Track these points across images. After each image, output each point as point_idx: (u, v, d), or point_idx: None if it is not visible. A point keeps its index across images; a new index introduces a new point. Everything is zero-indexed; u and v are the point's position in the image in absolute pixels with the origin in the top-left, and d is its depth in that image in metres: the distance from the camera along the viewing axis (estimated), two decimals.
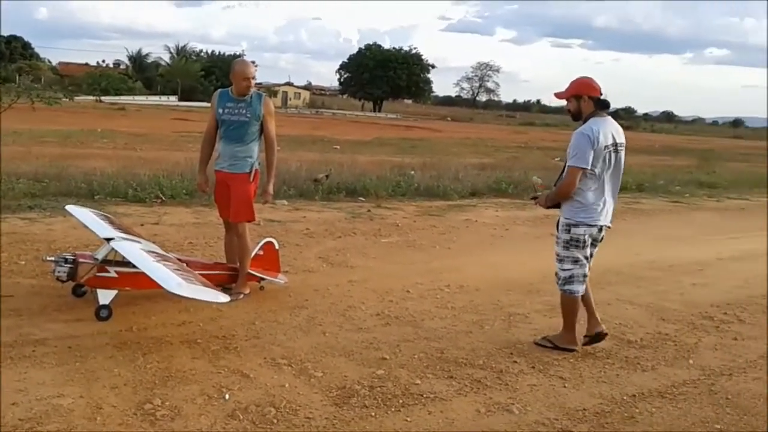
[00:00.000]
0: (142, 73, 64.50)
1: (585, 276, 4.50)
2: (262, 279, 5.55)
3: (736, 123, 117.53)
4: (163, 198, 9.49)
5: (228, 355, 4.16)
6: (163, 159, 13.81)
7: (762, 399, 4.04)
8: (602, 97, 4.42)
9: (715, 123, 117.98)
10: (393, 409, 3.59)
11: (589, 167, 4.26)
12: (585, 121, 4.38)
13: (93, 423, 3.21)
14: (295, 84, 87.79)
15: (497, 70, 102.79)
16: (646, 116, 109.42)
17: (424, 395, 3.79)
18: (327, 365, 4.11)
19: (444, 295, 5.82)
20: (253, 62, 5.47)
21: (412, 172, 13.72)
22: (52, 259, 4.75)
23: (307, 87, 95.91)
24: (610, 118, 4.44)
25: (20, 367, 3.76)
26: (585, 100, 4.39)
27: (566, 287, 4.52)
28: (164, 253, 5.10)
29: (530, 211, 11.34)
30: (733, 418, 3.78)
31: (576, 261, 4.45)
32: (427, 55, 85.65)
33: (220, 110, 5.33)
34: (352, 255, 7.12)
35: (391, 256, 7.24)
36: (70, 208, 5.67)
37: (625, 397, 3.95)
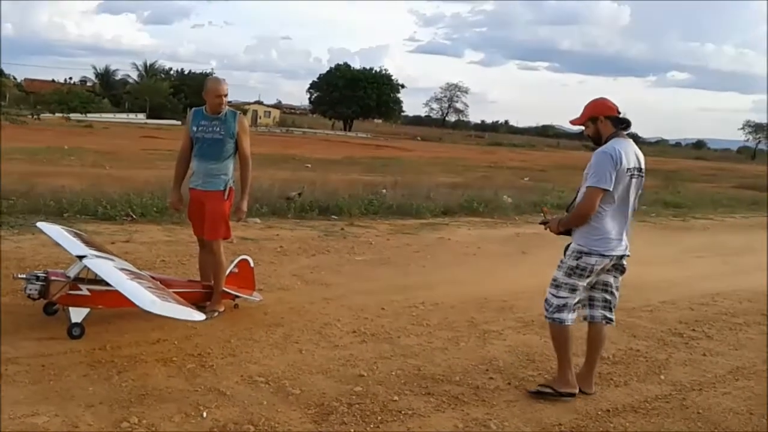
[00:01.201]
0: (109, 90, 63.79)
1: (576, 304, 4.16)
2: (237, 297, 5.52)
3: (699, 144, 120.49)
4: (134, 216, 9.39)
5: (204, 373, 4.13)
6: (133, 177, 13.70)
7: (731, 413, 4.13)
8: (621, 116, 4.15)
9: (678, 144, 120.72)
10: (372, 426, 3.60)
11: (610, 188, 3.93)
12: (606, 143, 4.06)
13: None
14: (265, 103, 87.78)
15: (466, 91, 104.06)
16: None
17: (403, 412, 3.80)
18: (304, 382, 4.10)
19: (419, 312, 5.85)
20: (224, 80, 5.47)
21: (384, 191, 13.80)
22: (24, 276, 4.68)
23: (277, 106, 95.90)
24: (631, 141, 4.14)
25: None
26: (602, 120, 4.11)
27: (556, 315, 4.13)
28: (138, 271, 5.05)
29: (501, 230, 11.50)
30: (705, 431, 3.85)
31: (574, 290, 4.10)
32: (397, 76, 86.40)
33: (195, 128, 5.33)
34: (326, 273, 7.12)
35: (366, 274, 7.26)
36: (41, 225, 5.58)
37: (599, 412, 4.02)
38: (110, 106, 57.34)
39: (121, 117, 52.76)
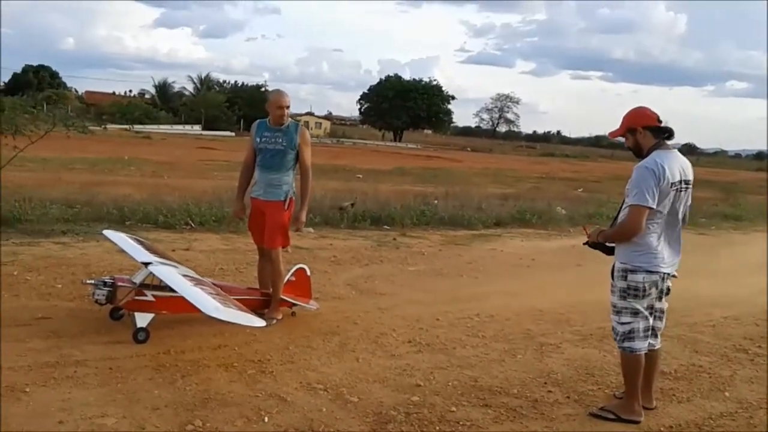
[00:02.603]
0: (166, 103, 65.57)
1: (648, 330, 3.94)
2: (294, 305, 5.61)
3: (760, 155, 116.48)
4: (193, 224, 9.63)
5: (264, 379, 4.21)
6: (190, 187, 14.05)
7: None
8: (662, 125, 3.93)
9: (737, 155, 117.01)
10: None
11: (654, 206, 3.74)
12: (648, 155, 3.86)
13: None
14: (316, 114, 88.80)
15: (517, 102, 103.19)
16: None
17: (461, 423, 3.80)
18: (362, 391, 4.14)
19: (474, 323, 5.83)
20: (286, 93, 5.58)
21: (436, 202, 13.80)
22: (92, 282, 4.87)
23: (328, 117, 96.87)
24: (676, 151, 3.93)
25: (64, 387, 3.84)
26: (641, 132, 3.90)
27: (626, 344, 3.92)
28: (200, 278, 5.19)
29: (555, 242, 11.36)
30: None
31: (636, 313, 3.89)
32: (447, 87, 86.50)
33: (258, 139, 5.45)
34: (380, 282, 7.16)
35: (419, 284, 7.27)
36: (107, 232, 5.79)
37: (662, 428, 3.93)
38: (167, 117, 58.87)
39: (178, 128, 54.17)
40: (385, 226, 11.12)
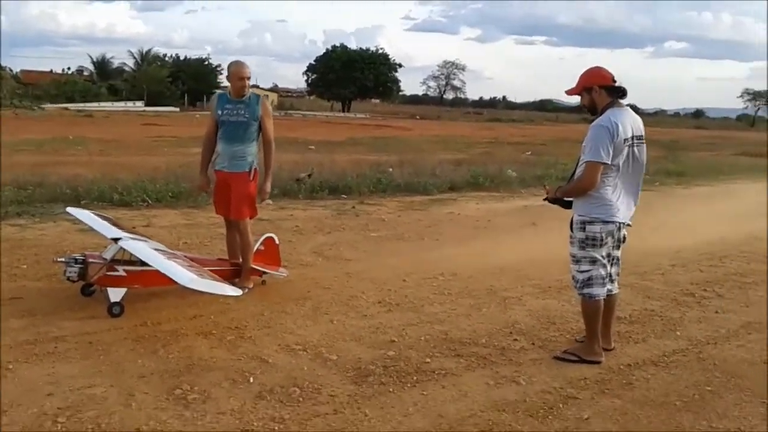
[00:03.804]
0: (106, 79, 63.56)
1: (606, 277, 4.18)
2: (265, 273, 5.72)
3: (698, 114, 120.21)
4: (149, 201, 9.58)
5: (244, 344, 4.34)
6: (141, 164, 13.88)
7: (746, 363, 4.35)
8: (616, 84, 4.12)
9: (677, 114, 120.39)
10: (409, 385, 3.82)
11: (609, 162, 3.95)
12: (602, 113, 4.05)
13: (129, 409, 3.38)
14: (262, 86, 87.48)
15: (463, 69, 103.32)
16: None
17: (436, 372, 4.02)
18: (340, 349, 4.32)
19: (439, 282, 6.05)
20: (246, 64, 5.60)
21: (391, 170, 13.96)
22: (63, 260, 4.88)
23: (274, 89, 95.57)
24: (629, 108, 4.14)
25: (47, 362, 3.89)
26: (596, 90, 4.09)
27: (585, 290, 4.17)
28: (171, 251, 5.25)
29: (509, 203, 11.70)
30: (721, 380, 4.07)
31: (594, 261, 4.11)
32: (394, 55, 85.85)
33: (220, 112, 5.48)
34: (344, 249, 7.32)
35: (382, 249, 7.46)
36: (71, 210, 5.78)
37: (621, 366, 4.23)
38: (108, 95, 57.14)
39: (120, 105, 52.67)
40: (343, 196, 11.26)
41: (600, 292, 4.18)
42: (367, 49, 78.24)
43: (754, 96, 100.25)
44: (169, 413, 3.35)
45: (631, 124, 4.06)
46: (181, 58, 69.35)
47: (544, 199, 4.46)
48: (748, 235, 9.06)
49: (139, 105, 54.63)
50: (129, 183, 10.08)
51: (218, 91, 5.71)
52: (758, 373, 4.20)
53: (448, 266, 6.57)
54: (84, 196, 9.34)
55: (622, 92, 4.14)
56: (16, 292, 5.16)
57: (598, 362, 4.24)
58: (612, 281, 4.32)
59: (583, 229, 4.13)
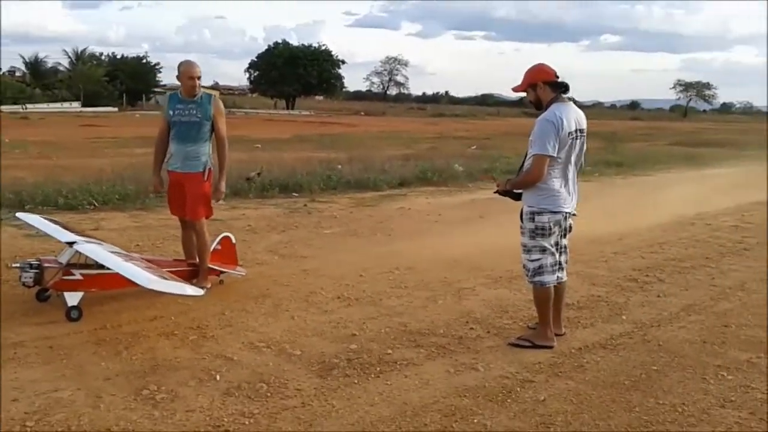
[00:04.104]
0: (40, 80, 61.31)
1: (555, 265, 4.40)
2: (222, 272, 5.75)
3: (633, 105, 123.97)
4: (96, 204, 9.43)
5: (207, 343, 4.38)
6: (85, 166, 13.59)
7: (687, 343, 4.64)
8: (559, 80, 4.33)
9: (613, 106, 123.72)
10: (373, 376, 3.94)
11: (555, 155, 4.16)
12: (547, 108, 4.27)
13: (98, 410, 3.40)
14: (202, 84, 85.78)
15: (405, 64, 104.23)
16: None
17: (398, 362, 4.16)
18: (303, 344, 4.41)
19: (395, 276, 6.20)
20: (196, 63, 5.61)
21: (340, 166, 14.05)
22: (18, 265, 4.81)
23: (215, 87, 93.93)
24: (572, 103, 4.36)
25: (8, 368, 3.86)
26: (541, 86, 4.31)
27: (536, 278, 4.39)
28: (127, 253, 5.23)
29: (457, 197, 11.95)
30: (666, 360, 4.33)
31: (543, 250, 4.34)
32: (336, 51, 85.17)
33: (171, 112, 5.48)
34: (299, 247, 7.39)
35: (337, 246, 7.56)
36: (21, 215, 5.69)
37: (572, 350, 4.46)
38: (42, 96, 55.15)
39: (55, 106, 50.97)
40: (294, 194, 11.30)
41: (550, 279, 4.41)
42: (310, 46, 77.77)
43: (686, 87, 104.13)
44: (139, 413, 3.39)
45: (574, 118, 4.28)
46: (118, 56, 67.55)
47: (495, 192, 4.63)
48: (685, 222, 9.53)
49: (76, 106, 53.00)
50: (74, 186, 9.88)
51: (170, 92, 5.69)
52: (698, 352, 4.49)
53: (402, 260, 6.71)
54: (28, 200, 9.11)
55: (564, 87, 4.36)
56: None
57: (551, 347, 4.45)
58: (561, 269, 4.53)
59: (533, 220, 4.34)
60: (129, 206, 9.49)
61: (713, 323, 5.09)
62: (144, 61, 66.75)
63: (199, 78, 5.48)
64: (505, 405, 3.64)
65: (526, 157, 4.40)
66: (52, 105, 51.58)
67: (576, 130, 4.27)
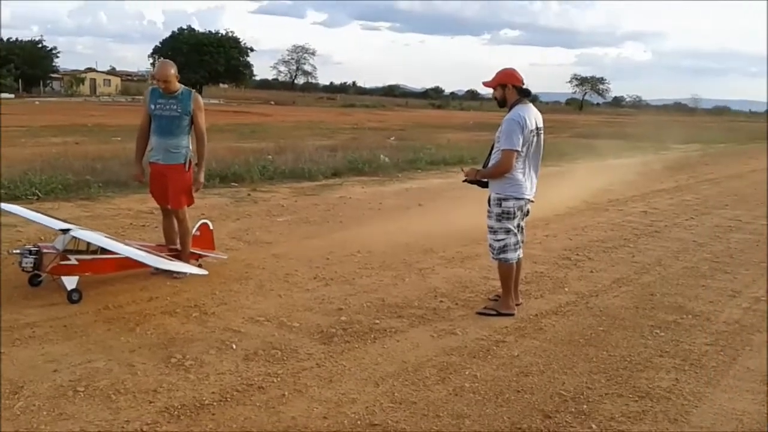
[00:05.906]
0: None
1: (516, 244, 5.08)
2: (201, 256, 6.13)
3: (533, 99, 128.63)
4: (40, 195, 9.41)
5: (211, 319, 4.81)
6: (9, 156, 13.23)
7: (623, 309, 5.49)
8: (524, 87, 5.03)
9: None
10: (370, 341, 4.52)
11: (521, 149, 4.84)
12: (511, 108, 4.95)
13: (136, 376, 3.80)
14: (99, 70, 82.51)
15: (313, 53, 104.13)
16: (454, 95, 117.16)
17: (387, 330, 4.75)
18: (298, 318, 4.92)
19: (359, 258, 6.76)
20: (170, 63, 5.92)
21: (269, 157, 14.38)
22: (17, 251, 5.04)
23: (112, 72, 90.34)
24: (531, 105, 5.05)
25: (34, 345, 4.17)
26: (509, 88, 4.97)
27: (501, 256, 5.05)
28: (116, 238, 5.54)
29: (391, 187, 12.60)
30: (609, 322, 5.16)
31: (508, 231, 5.01)
32: (239, 38, 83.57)
33: (152, 106, 5.80)
34: (260, 233, 7.81)
35: (295, 232, 8.02)
36: (5, 206, 5.85)
37: (531, 317, 5.20)
38: None
39: None
40: (234, 184, 11.58)
41: (513, 256, 5.13)
42: (217, 33, 76.40)
43: (582, 81, 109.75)
44: (175, 377, 3.81)
45: (534, 118, 5.00)
46: (11, 39, 63.82)
47: (464, 180, 5.30)
48: (600, 208, 10.62)
49: None
50: (14, 176, 9.79)
51: (151, 86, 5.99)
52: (634, 316, 5.35)
53: (360, 244, 7.28)
54: None
55: (527, 92, 5.10)
56: None
57: (512, 314, 5.17)
58: (520, 248, 5.25)
59: (500, 205, 5.03)
60: (73, 196, 9.53)
61: (641, 292, 5.99)
62: (40, 45, 63.50)
63: (167, 81, 5.74)
64: (487, 360, 4.31)
65: (491, 151, 5.09)
66: None
67: (536, 128, 5.00)
